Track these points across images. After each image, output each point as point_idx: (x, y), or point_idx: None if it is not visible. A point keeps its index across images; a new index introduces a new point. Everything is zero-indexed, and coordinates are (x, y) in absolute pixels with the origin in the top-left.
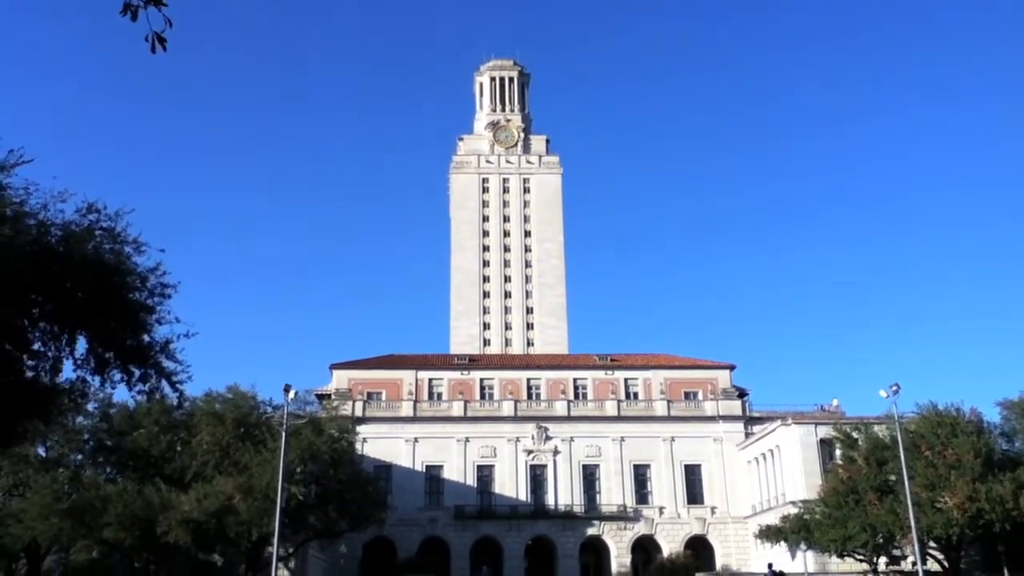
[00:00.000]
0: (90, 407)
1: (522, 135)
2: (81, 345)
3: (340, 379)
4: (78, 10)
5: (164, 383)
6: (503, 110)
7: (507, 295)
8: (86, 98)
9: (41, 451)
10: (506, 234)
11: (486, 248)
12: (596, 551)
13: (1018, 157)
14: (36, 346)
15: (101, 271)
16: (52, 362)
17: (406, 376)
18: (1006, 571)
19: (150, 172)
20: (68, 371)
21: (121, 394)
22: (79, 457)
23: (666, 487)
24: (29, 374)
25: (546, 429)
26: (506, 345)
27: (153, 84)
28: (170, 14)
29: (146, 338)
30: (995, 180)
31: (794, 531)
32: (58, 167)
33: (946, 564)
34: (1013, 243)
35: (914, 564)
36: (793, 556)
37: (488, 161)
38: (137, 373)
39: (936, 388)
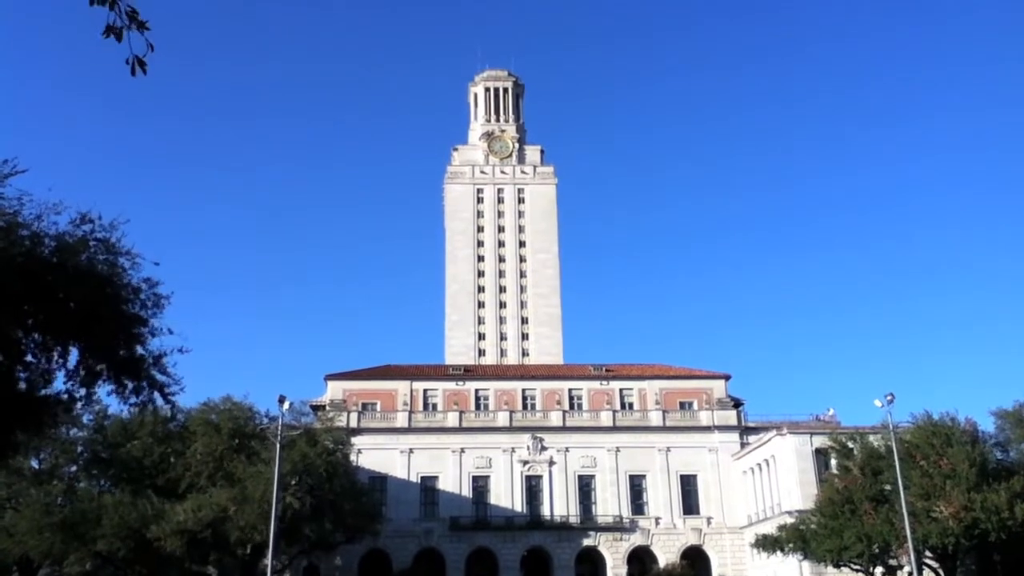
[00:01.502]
0: (85, 419)
1: (516, 145)
2: (74, 356)
3: (335, 390)
4: (74, 19)
5: (156, 395)
6: (497, 120)
7: (502, 305)
8: (80, 107)
9: (34, 463)
10: (501, 244)
11: (481, 258)
12: (592, 562)
13: (1013, 163)
14: (29, 357)
15: (94, 282)
16: (44, 373)
17: (401, 387)
18: None
19: (144, 181)
20: (60, 382)
21: (116, 405)
22: (73, 469)
23: (662, 497)
24: (22, 385)
25: (541, 439)
26: (501, 355)
27: (147, 93)
28: (164, 23)
29: (139, 350)
30: (990, 186)
31: (790, 541)
32: (52, 177)
33: (942, 574)
34: (1009, 250)
35: (910, 574)
36: (789, 568)
37: (482, 171)
38: (129, 385)
39: (931, 398)
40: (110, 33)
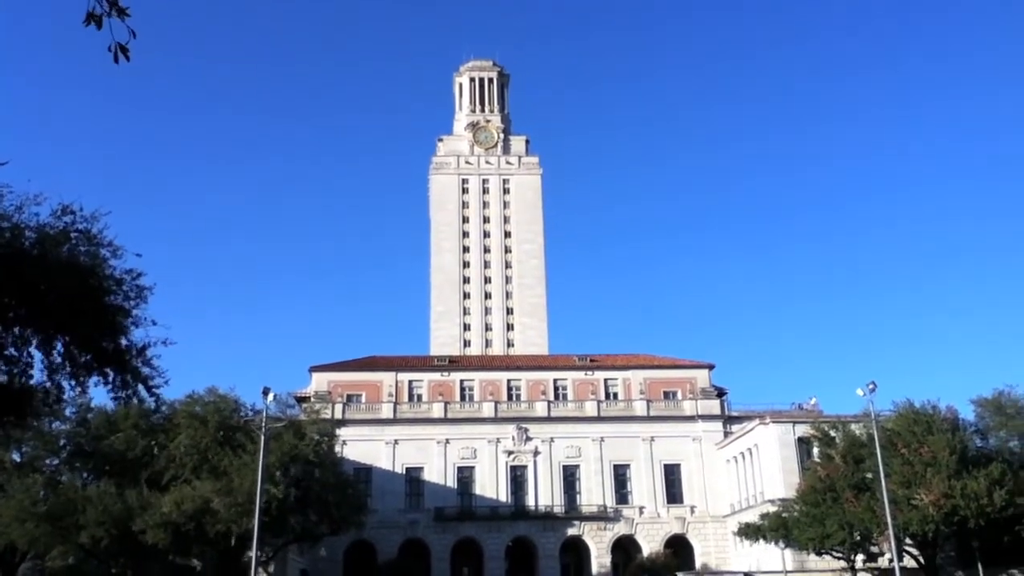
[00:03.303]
0: (68, 411)
1: (502, 136)
2: (58, 349)
3: (320, 381)
4: (58, 7)
5: (141, 387)
6: (482, 111)
7: (487, 296)
8: (63, 99)
9: (15, 456)
10: (486, 235)
11: (466, 249)
12: (577, 551)
13: (992, 155)
14: (10, 351)
15: (76, 274)
16: (26, 367)
17: (386, 378)
18: (980, 567)
19: (128, 175)
20: (43, 375)
21: (100, 398)
22: (55, 461)
23: (646, 487)
24: (2, 378)
25: (526, 430)
26: (486, 346)
27: (133, 85)
28: (149, 18)
29: (123, 341)
30: (970, 178)
31: (773, 529)
32: (34, 168)
33: (922, 561)
34: (990, 241)
35: (891, 561)
36: (771, 556)
37: (468, 162)
38: (113, 377)
39: (913, 386)
40: (91, 20)
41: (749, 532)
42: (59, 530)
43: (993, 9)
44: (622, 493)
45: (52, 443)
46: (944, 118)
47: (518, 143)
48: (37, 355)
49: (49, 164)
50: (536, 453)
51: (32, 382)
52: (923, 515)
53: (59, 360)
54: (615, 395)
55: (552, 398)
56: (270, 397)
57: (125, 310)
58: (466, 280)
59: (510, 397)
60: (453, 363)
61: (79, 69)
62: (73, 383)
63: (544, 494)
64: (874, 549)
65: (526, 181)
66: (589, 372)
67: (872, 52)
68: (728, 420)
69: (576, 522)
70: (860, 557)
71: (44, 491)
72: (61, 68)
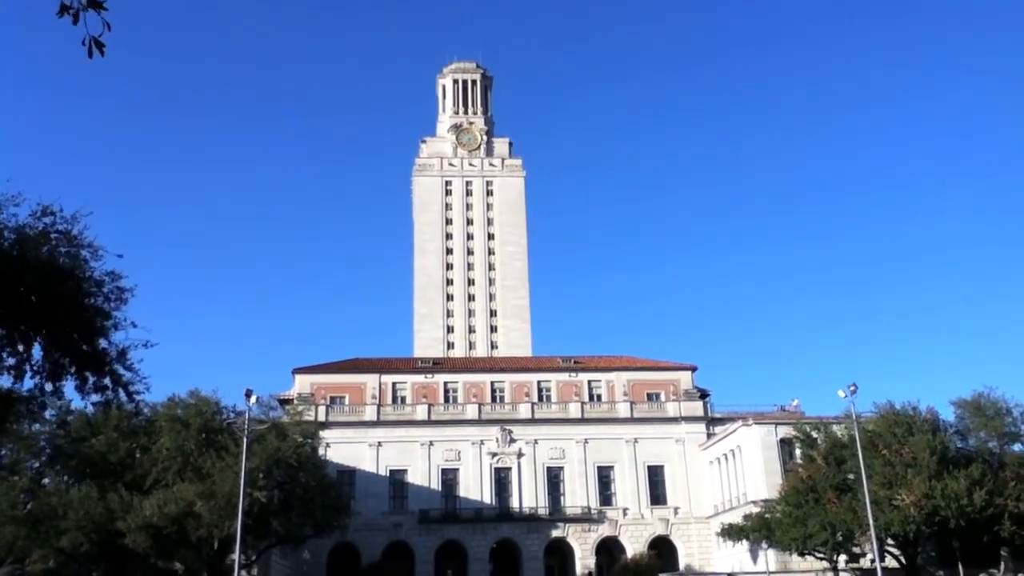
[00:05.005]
0: (47, 414)
1: (485, 138)
2: (37, 352)
3: (303, 383)
4: (42, 8)
5: (121, 392)
6: (466, 112)
7: (471, 298)
8: (44, 101)
9: None
10: (469, 237)
11: (449, 251)
12: (561, 553)
13: (974, 153)
14: None
15: (56, 275)
16: (9, 368)
17: (369, 380)
18: (960, 567)
19: (109, 177)
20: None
21: (79, 400)
22: (35, 464)
23: (629, 488)
24: None
25: (510, 432)
26: (470, 348)
27: (114, 84)
28: (130, 17)
29: (102, 343)
30: (951, 177)
31: (755, 530)
32: (13, 168)
33: (903, 560)
34: (973, 242)
35: (872, 561)
36: (754, 556)
37: (451, 164)
38: (93, 381)
39: (894, 388)
40: (64, 13)
41: (732, 533)
42: (39, 534)
43: (991, 7)
44: (606, 495)
45: (32, 446)
46: (923, 111)
47: (501, 145)
48: (20, 357)
49: (28, 164)
50: (520, 455)
51: (17, 385)
52: (904, 515)
53: (39, 362)
54: (599, 397)
55: (536, 400)
56: (252, 399)
57: (105, 312)
58: (449, 282)
59: (494, 399)
60: (437, 365)
61: (57, 65)
62: (56, 385)
63: (528, 496)
64: (856, 549)
65: (509, 183)
66: (573, 374)
67: (833, 53)
68: (711, 422)
69: (560, 524)
70: (842, 557)
71: (24, 494)
72: (36, 64)
